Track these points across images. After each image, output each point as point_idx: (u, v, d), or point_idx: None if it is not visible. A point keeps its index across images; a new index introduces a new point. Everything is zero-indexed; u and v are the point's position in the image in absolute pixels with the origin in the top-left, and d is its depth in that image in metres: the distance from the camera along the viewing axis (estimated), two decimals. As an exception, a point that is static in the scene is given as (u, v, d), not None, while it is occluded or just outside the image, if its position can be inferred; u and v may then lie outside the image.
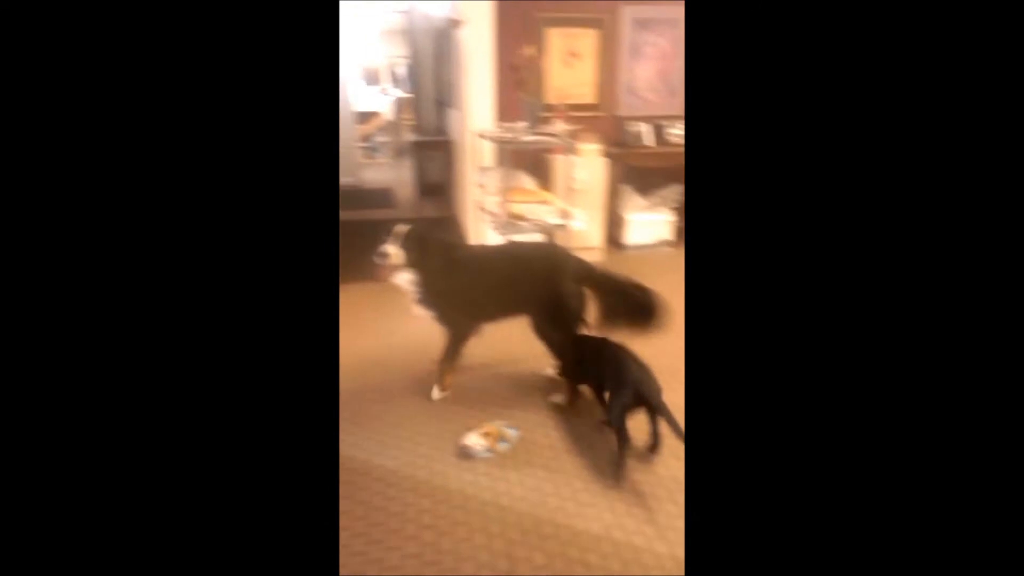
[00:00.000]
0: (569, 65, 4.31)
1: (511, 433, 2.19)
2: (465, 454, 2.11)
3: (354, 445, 2.20)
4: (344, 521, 1.83)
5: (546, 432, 2.27)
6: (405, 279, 2.34)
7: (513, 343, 2.92)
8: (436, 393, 2.49)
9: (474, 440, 2.11)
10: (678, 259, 4.26)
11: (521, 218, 3.30)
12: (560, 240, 3.50)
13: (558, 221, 3.36)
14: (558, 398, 2.43)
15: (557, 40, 4.23)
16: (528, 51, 3.62)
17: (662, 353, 2.25)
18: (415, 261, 2.30)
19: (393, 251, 2.28)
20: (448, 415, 2.39)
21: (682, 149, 4.30)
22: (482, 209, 3.91)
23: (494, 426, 2.18)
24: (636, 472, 2.03)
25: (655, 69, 4.47)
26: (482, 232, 4.19)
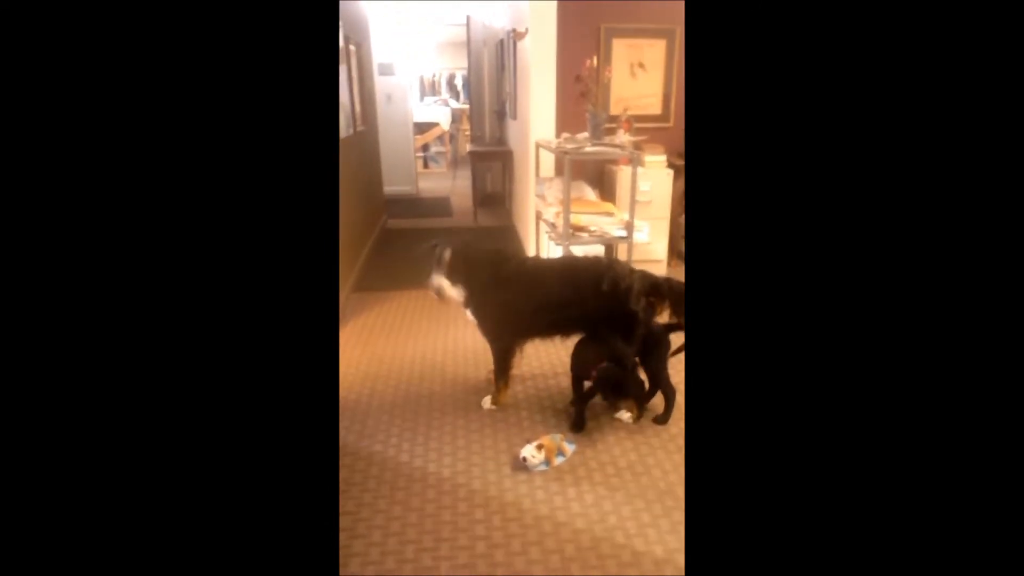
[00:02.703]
0: (635, 76, 4.24)
1: (569, 447, 2.13)
2: (521, 466, 2.05)
3: (408, 452, 2.17)
4: (395, 527, 1.79)
5: (607, 448, 2.18)
6: (456, 292, 2.36)
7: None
8: (487, 403, 2.46)
9: (530, 452, 2.05)
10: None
11: (583, 229, 3.23)
12: (623, 252, 3.42)
13: (621, 233, 3.29)
14: (625, 416, 2.35)
15: (623, 51, 4.17)
16: (592, 62, 3.58)
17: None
18: (462, 280, 2.32)
19: (442, 283, 2.32)
20: (505, 425, 2.34)
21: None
22: (542, 220, 3.87)
23: (551, 439, 2.12)
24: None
25: (723, 80, 4.35)
26: (542, 243, 4.15)
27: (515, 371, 2.53)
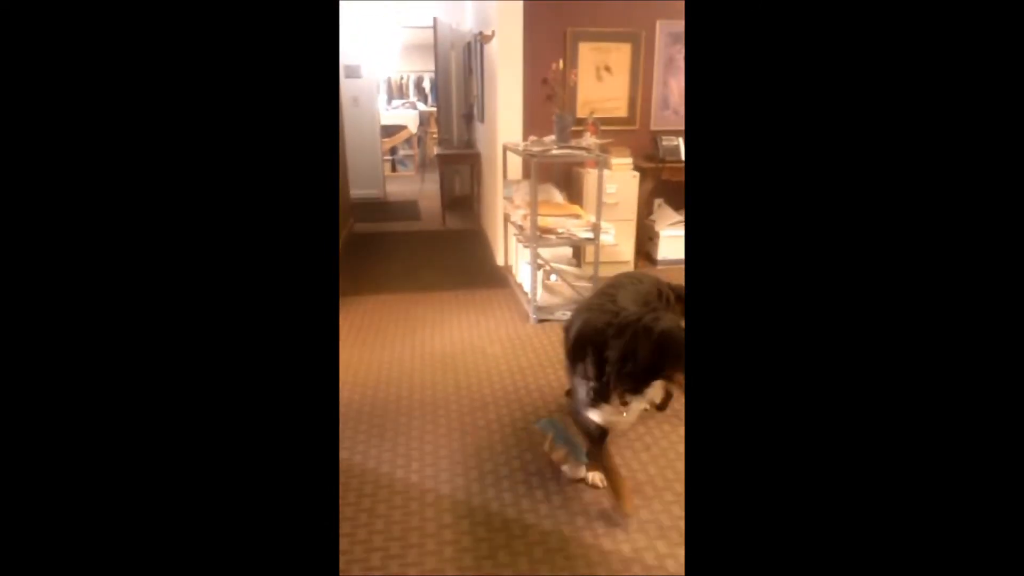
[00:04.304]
0: (601, 79, 4.27)
1: (580, 456, 2.03)
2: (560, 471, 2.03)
3: (375, 458, 2.14)
4: (362, 534, 1.77)
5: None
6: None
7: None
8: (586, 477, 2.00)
9: (567, 468, 2.00)
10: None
11: (550, 231, 3.24)
12: (590, 254, 3.44)
13: (588, 235, 3.30)
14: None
15: (589, 54, 4.20)
16: (558, 65, 3.59)
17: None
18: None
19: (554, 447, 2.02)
20: (473, 429, 2.32)
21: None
22: (510, 222, 3.87)
23: (564, 451, 2.04)
24: (667, 494, 1.94)
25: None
26: (511, 246, 4.15)
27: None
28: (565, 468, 2.02)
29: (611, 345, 1.60)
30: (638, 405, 1.70)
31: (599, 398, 1.68)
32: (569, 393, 2.27)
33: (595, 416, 1.73)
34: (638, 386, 1.62)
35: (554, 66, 3.54)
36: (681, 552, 1.71)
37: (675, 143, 4.22)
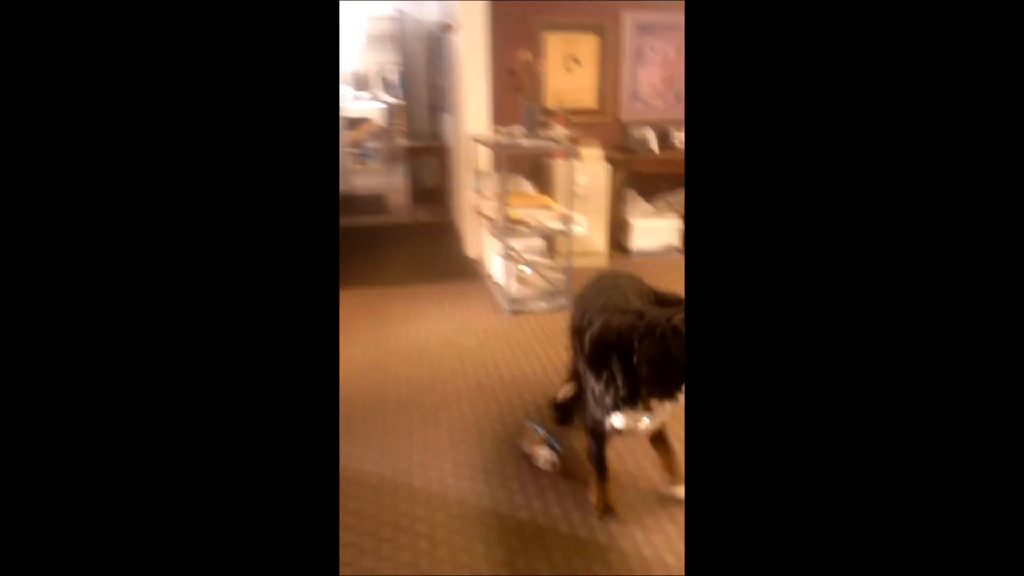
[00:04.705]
0: (569, 70, 4.26)
1: (556, 445, 2.06)
2: (533, 463, 2.02)
3: (346, 453, 2.09)
4: (335, 531, 1.73)
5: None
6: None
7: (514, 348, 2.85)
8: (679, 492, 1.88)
9: (543, 451, 2.00)
10: (682, 266, 4.20)
11: (520, 223, 3.22)
12: (562, 245, 3.43)
13: (559, 226, 3.29)
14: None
15: (556, 45, 4.19)
16: (524, 55, 3.57)
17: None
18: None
19: (545, 452, 2.01)
20: (447, 421, 2.29)
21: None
22: (479, 214, 3.84)
23: (542, 436, 2.05)
24: (641, 482, 1.94)
25: (659, 74, 4.43)
26: (480, 237, 4.12)
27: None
28: (539, 452, 2.01)
29: (641, 348, 1.53)
30: (663, 409, 1.65)
31: (626, 403, 1.62)
32: (563, 402, 2.25)
33: (617, 421, 1.66)
34: (670, 389, 1.57)
35: (520, 57, 3.51)
36: (678, 546, 1.72)
37: (645, 134, 4.23)
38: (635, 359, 1.54)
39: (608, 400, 1.64)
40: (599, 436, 1.76)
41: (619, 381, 1.60)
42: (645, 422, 1.66)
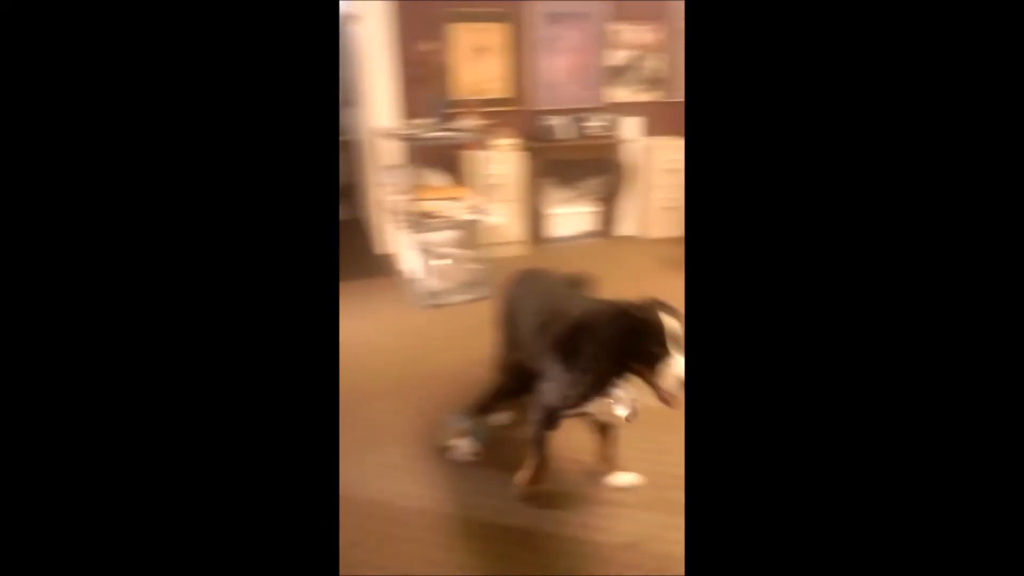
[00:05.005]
0: (477, 60, 4.23)
1: (479, 435, 2.05)
2: (451, 455, 1.99)
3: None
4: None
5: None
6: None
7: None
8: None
9: (463, 442, 1.98)
10: (603, 250, 4.25)
11: (430, 215, 3.18)
12: (477, 235, 3.39)
13: (472, 216, 3.26)
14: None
15: (463, 35, 4.14)
16: (428, 46, 3.51)
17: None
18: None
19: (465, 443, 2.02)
20: (359, 423, 2.23)
21: (600, 141, 4.30)
22: (388, 209, 3.76)
23: (464, 427, 2.03)
24: (560, 464, 1.93)
25: (568, 63, 4.45)
26: (391, 233, 4.05)
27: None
28: (459, 443, 1.99)
29: (605, 333, 1.53)
30: (628, 396, 1.65)
31: (594, 391, 1.62)
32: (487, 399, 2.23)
33: (590, 408, 1.66)
34: (622, 372, 1.56)
35: (424, 47, 3.46)
36: (605, 524, 1.71)
37: (557, 122, 4.24)
38: (607, 346, 1.53)
39: (580, 388, 1.62)
40: (551, 422, 1.76)
41: (592, 368, 1.59)
42: (615, 407, 1.67)
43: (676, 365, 1.43)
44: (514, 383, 2.14)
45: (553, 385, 1.71)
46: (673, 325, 1.45)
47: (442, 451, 2.01)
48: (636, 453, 1.96)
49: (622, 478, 1.86)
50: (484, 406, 2.23)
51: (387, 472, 1.94)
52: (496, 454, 1.99)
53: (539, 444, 1.79)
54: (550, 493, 1.80)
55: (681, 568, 1.52)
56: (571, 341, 1.64)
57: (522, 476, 1.82)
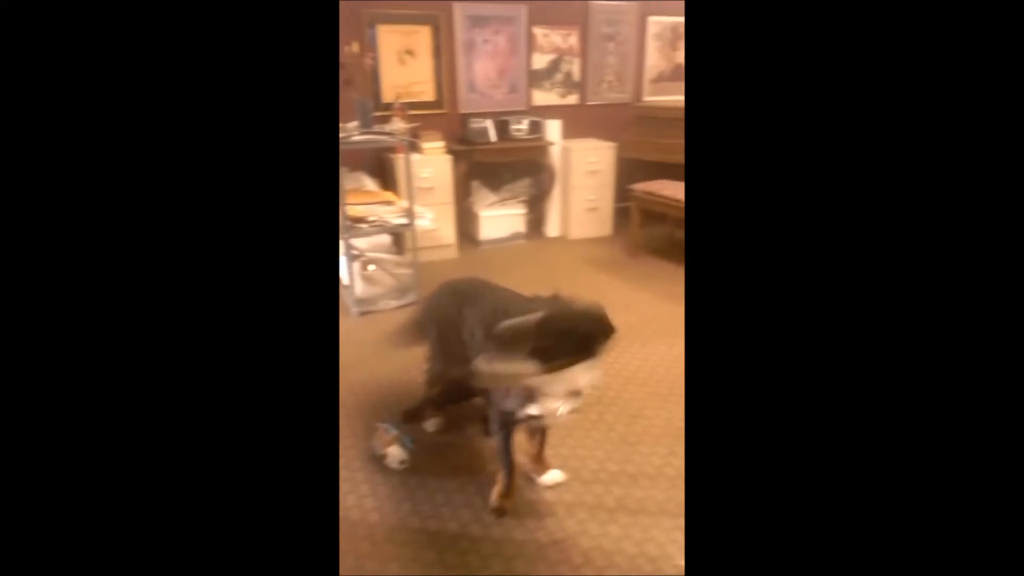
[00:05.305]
0: (403, 63, 4.21)
1: (407, 443, 2.05)
2: (383, 463, 2.00)
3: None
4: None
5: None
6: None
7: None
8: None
9: (394, 450, 1.98)
10: (533, 252, 4.32)
11: (361, 220, 3.14)
12: (408, 240, 3.38)
13: (402, 221, 3.25)
14: None
15: (389, 37, 4.11)
16: (352, 48, 3.47)
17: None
18: None
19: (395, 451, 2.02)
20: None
21: (527, 144, 4.36)
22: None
23: (394, 435, 2.03)
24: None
25: (494, 66, 4.49)
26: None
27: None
28: (390, 451, 1.99)
29: (545, 330, 1.53)
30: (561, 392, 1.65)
31: (540, 390, 1.62)
32: (414, 407, 2.24)
33: (534, 409, 1.65)
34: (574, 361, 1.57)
35: (347, 49, 3.41)
36: (551, 527, 1.75)
37: (483, 125, 4.28)
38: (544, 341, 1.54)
39: (530, 389, 1.63)
40: (507, 428, 1.77)
41: (544, 368, 1.56)
42: (557, 407, 1.68)
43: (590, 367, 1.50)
44: (445, 395, 2.17)
45: (498, 393, 1.74)
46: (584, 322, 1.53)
47: (378, 459, 2.01)
48: (560, 451, 2.04)
49: (551, 476, 1.93)
50: (413, 414, 2.24)
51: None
52: (427, 461, 2.01)
53: (507, 454, 1.79)
54: (486, 496, 1.84)
55: (606, 562, 1.60)
56: (525, 340, 1.61)
57: (496, 492, 1.82)
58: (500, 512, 1.79)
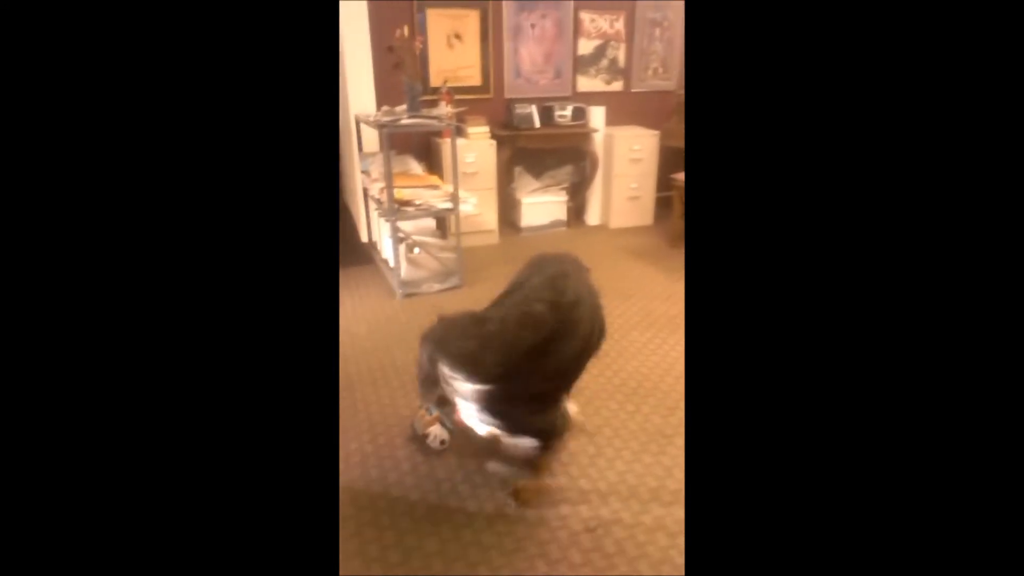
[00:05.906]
0: (452, 47, 4.23)
1: (449, 424, 2.09)
2: (424, 443, 2.06)
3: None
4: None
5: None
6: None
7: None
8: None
9: (436, 430, 2.04)
10: (573, 240, 4.33)
11: (408, 204, 3.20)
12: (451, 224, 3.43)
13: (447, 205, 3.30)
14: None
15: (438, 21, 4.13)
16: (403, 32, 3.51)
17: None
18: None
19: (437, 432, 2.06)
20: (339, 411, 2.28)
21: (570, 130, 4.35)
22: (369, 196, 3.78)
23: (435, 416, 2.08)
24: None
25: (540, 51, 4.48)
26: (372, 220, 4.06)
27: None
28: (432, 431, 2.05)
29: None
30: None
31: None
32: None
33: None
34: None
35: (398, 32, 3.45)
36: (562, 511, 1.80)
37: (528, 111, 4.28)
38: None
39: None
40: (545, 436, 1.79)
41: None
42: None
43: None
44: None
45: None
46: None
47: (420, 439, 2.08)
48: (595, 440, 2.07)
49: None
50: (445, 399, 2.29)
51: (363, 460, 2.01)
52: (466, 443, 2.07)
53: (543, 464, 1.84)
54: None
55: (638, 552, 1.63)
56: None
57: (527, 485, 1.85)
58: (515, 498, 1.84)
